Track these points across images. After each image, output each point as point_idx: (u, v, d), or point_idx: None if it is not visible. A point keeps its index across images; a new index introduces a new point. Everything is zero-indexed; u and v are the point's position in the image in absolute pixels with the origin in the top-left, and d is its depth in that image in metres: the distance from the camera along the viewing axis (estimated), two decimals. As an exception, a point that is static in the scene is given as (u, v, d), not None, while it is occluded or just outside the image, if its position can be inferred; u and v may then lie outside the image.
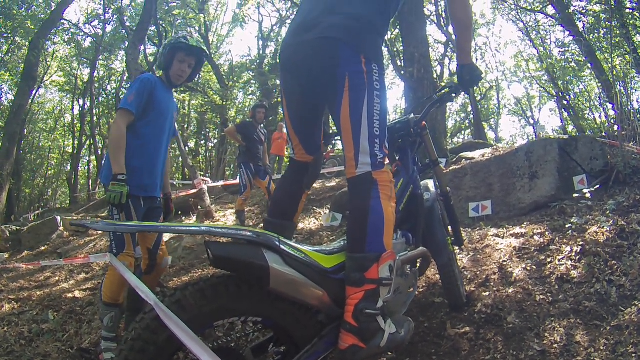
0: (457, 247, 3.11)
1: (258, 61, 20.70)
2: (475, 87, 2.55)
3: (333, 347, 1.69)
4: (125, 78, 19.55)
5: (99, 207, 13.90)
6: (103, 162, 3.15)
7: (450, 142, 18.90)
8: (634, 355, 2.05)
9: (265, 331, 1.86)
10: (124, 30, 17.49)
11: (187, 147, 19.53)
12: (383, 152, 1.82)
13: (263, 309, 1.55)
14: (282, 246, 1.55)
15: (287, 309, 1.59)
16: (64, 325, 3.87)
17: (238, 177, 6.46)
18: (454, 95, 2.40)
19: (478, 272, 3.34)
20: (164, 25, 16.32)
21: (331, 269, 1.68)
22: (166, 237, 6.01)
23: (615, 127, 5.57)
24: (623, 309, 2.43)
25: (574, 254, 3.14)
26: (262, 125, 6.43)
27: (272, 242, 1.54)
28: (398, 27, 9.24)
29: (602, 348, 2.19)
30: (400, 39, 9.64)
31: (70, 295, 4.85)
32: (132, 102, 2.76)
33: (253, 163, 6.00)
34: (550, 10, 17.92)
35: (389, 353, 2.45)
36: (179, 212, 7.85)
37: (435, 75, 14.88)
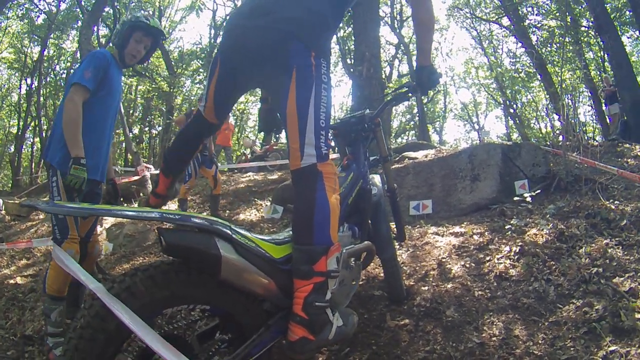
0: (398, 243, 3.78)
1: (208, 50, 23.40)
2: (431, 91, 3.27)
3: (279, 336, 2.02)
4: (77, 57, 21.64)
5: (41, 191, 15.36)
6: (48, 140, 3.30)
7: (394, 141, 21.57)
8: (572, 348, 2.63)
9: (211, 318, 2.15)
10: (78, 9, 19.29)
11: (131, 133, 21.82)
12: (328, 144, 2.18)
13: (212, 297, 1.85)
14: (234, 235, 1.85)
15: (236, 298, 1.90)
16: (6, 313, 4.34)
17: None
18: (410, 95, 2.93)
19: (417, 268, 3.96)
20: (118, 7, 18.40)
21: (280, 260, 2.02)
22: (107, 223, 6.66)
23: (560, 138, 6.91)
24: (561, 307, 3.08)
25: (512, 253, 3.89)
26: None
27: (225, 231, 1.83)
28: (352, 25, 10.48)
29: (540, 342, 2.78)
30: (353, 38, 10.90)
31: (12, 281, 5.44)
32: (89, 79, 3.11)
33: (199, 152, 6.70)
34: (505, 21, 21.64)
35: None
36: (121, 199, 8.09)
37: (383, 76, 17.13)
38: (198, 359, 1.88)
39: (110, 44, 3.81)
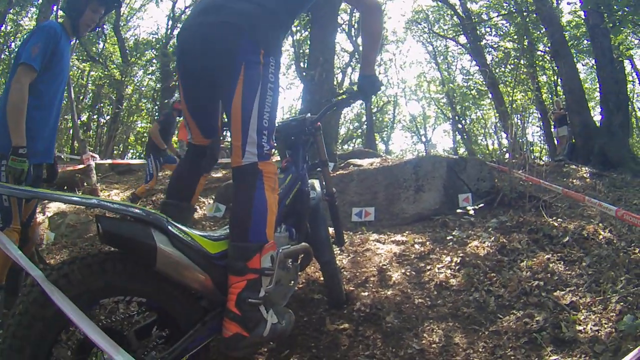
0: (337, 247, 4.08)
1: (164, 41, 24.73)
2: (373, 98, 3.67)
3: (216, 333, 2.20)
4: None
5: None
6: None
7: (340, 148, 22.67)
8: (512, 357, 2.91)
9: (149, 314, 2.30)
10: None
11: (79, 120, 22.16)
12: (270, 144, 2.39)
13: (148, 290, 2.02)
14: (170, 227, 2.03)
15: (172, 292, 2.08)
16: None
17: (147, 165, 8.43)
18: (351, 101, 3.27)
19: (357, 273, 4.22)
20: None
21: (216, 255, 2.20)
22: (50, 211, 6.85)
23: (507, 155, 7.59)
24: (501, 317, 3.40)
25: (453, 263, 4.24)
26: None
27: (161, 222, 2.01)
28: (309, 29, 11.08)
29: (480, 350, 3.05)
30: (308, 42, 11.51)
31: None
32: (36, 57, 3.14)
33: (162, 154, 8.06)
34: (462, 39, 23.48)
35: (270, 344, 3.16)
36: (65, 187, 8.99)
37: (335, 82, 18.59)
38: (136, 354, 1.97)
39: (59, 12, 3.86)
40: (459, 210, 5.80)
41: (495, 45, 21.78)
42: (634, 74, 24.21)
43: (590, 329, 3.14)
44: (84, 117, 25.98)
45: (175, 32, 24.80)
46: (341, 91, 16.93)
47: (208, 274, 2.13)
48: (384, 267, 4.34)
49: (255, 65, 2.31)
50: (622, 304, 3.31)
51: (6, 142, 3.17)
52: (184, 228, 2.14)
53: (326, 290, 3.74)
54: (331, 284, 3.62)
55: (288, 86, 31.97)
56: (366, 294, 3.83)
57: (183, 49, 2.55)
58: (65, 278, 1.80)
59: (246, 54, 2.30)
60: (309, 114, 3.35)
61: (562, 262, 4.15)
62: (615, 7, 9.51)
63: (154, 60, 25.20)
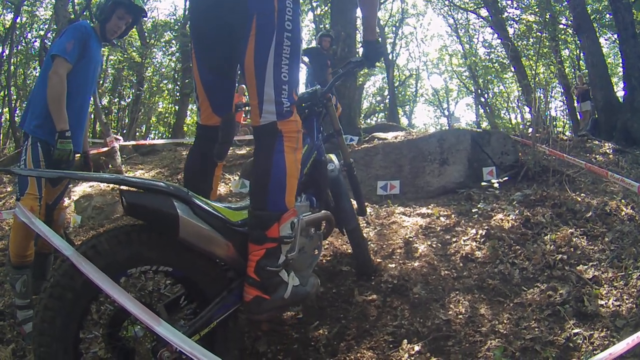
0: (361, 218, 4.13)
1: (182, 21, 24.34)
2: (378, 63, 3.54)
3: (241, 301, 2.21)
4: (53, 26, 21.44)
5: (9, 163, 14.79)
6: (25, 107, 3.53)
7: (363, 122, 22.77)
8: (536, 329, 2.91)
9: (176, 287, 2.41)
10: None
11: (101, 104, 21.68)
12: (291, 99, 2.22)
13: (173, 258, 2.07)
14: (191, 198, 2.07)
15: (197, 261, 2.12)
16: (-26, 288, 4.25)
17: None
18: (357, 69, 3.34)
19: (384, 246, 4.24)
20: None
21: (238, 223, 2.23)
22: (76, 196, 6.94)
23: (530, 129, 7.48)
24: (525, 289, 3.40)
25: (478, 236, 4.23)
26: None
27: (183, 193, 2.05)
28: (329, 4, 10.92)
29: (505, 321, 3.05)
30: (329, 17, 11.36)
31: (-21, 255, 5.26)
32: (71, 52, 3.39)
33: None
34: (484, 12, 22.64)
35: (300, 315, 3.28)
36: (92, 169, 8.53)
37: (358, 56, 18.10)
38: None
39: (90, 17, 4.00)
40: (483, 184, 5.77)
41: (517, 18, 21.20)
42: (659, 49, 23.41)
43: (612, 303, 3.13)
44: (105, 101, 26.04)
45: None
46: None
47: (230, 241, 2.15)
48: (410, 239, 4.35)
49: (268, 13, 2.13)
50: (643, 279, 3.25)
51: (34, 125, 3.46)
52: (204, 199, 2.18)
53: (354, 259, 3.82)
54: (358, 252, 3.70)
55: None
56: (393, 265, 3.86)
57: (195, 9, 2.49)
58: (93, 249, 1.87)
59: (257, 2, 2.14)
60: (318, 86, 3.37)
61: (585, 237, 4.10)
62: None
63: (173, 41, 25.23)
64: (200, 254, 2.11)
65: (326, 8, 11.63)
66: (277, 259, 2.15)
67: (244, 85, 13.95)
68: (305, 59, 8.91)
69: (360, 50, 4.29)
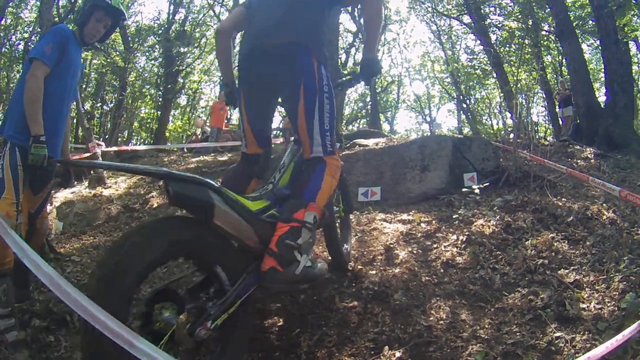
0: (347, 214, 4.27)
1: (166, 26, 25.51)
2: (374, 79, 3.92)
3: (257, 283, 2.56)
4: (37, 29, 21.46)
5: None
6: (5, 113, 3.92)
7: (345, 128, 23.03)
8: (518, 333, 2.97)
9: (200, 272, 2.63)
10: None
11: (83, 108, 22.55)
12: (332, 141, 2.93)
13: (205, 246, 2.36)
14: (222, 189, 2.44)
15: (224, 247, 2.47)
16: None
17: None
18: (354, 82, 3.54)
19: (365, 252, 4.31)
20: None
21: (257, 211, 2.66)
22: (57, 202, 6.92)
23: (511, 135, 7.64)
24: (507, 294, 3.47)
25: (459, 242, 4.32)
26: None
27: (215, 185, 2.41)
28: None
29: (487, 326, 3.11)
30: None
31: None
32: (50, 55, 3.41)
33: None
34: (466, 19, 23.22)
35: (280, 322, 3.39)
36: (72, 177, 8.94)
37: (339, 62, 19.86)
38: (195, 306, 2.31)
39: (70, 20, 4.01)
40: (464, 190, 5.87)
41: (500, 25, 21.66)
42: (639, 55, 24.06)
43: (594, 306, 3.20)
44: (88, 106, 26.31)
45: (177, 17, 26.43)
46: (345, 72, 17.62)
47: (252, 226, 2.53)
48: (391, 245, 4.41)
49: (311, 83, 2.85)
50: (624, 283, 3.37)
51: (12, 129, 3.45)
52: (229, 190, 2.53)
53: (329, 253, 3.98)
54: (332, 249, 3.91)
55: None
56: (374, 272, 3.92)
57: (247, 68, 3.07)
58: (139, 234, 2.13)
59: (303, 72, 2.85)
60: None
61: (566, 241, 4.20)
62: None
63: (157, 46, 25.58)
64: (226, 240, 2.48)
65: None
66: (296, 238, 2.59)
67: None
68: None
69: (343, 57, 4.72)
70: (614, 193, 4.74)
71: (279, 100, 3.26)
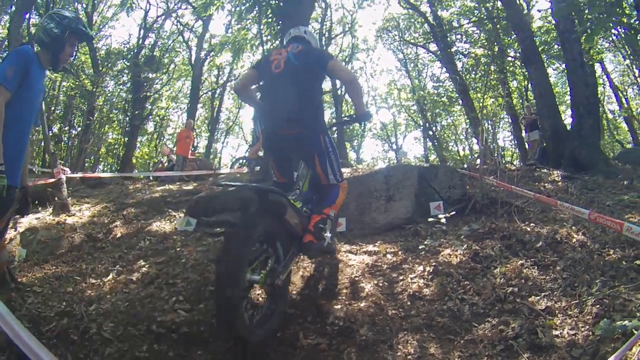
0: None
1: (135, 51, 25.77)
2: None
3: (299, 254, 4.03)
4: (4, 46, 21.69)
5: None
6: None
7: None
8: None
9: (269, 248, 3.62)
10: None
11: (51, 132, 22.86)
12: (341, 173, 4.34)
13: (279, 233, 3.74)
14: (288, 198, 3.86)
15: (283, 232, 3.77)
16: None
17: (254, 130, 10.01)
18: (351, 122, 5.48)
19: (330, 286, 4.30)
20: None
21: (300, 208, 4.11)
22: (22, 227, 6.99)
23: (478, 161, 7.71)
24: (476, 325, 3.45)
25: (426, 273, 4.30)
26: None
27: (285, 195, 3.82)
28: (279, 39, 11.16)
29: (457, 359, 3.13)
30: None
31: None
32: (11, 79, 3.38)
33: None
34: (433, 47, 24.10)
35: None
36: (36, 202, 9.18)
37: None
38: (268, 272, 3.45)
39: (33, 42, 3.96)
40: (430, 219, 5.87)
41: (466, 52, 22.26)
42: (604, 76, 24.92)
43: (567, 333, 3.19)
44: (56, 129, 26.14)
45: (147, 42, 26.96)
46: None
47: (299, 218, 3.97)
48: (357, 278, 4.39)
49: (321, 151, 4.17)
50: (598, 306, 3.37)
51: None
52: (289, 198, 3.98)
53: None
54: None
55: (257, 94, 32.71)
56: (339, 307, 3.87)
57: (276, 145, 4.38)
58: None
59: (315, 147, 4.15)
60: None
61: (536, 267, 4.21)
62: (587, 14, 9.67)
63: (126, 71, 25.71)
64: (284, 228, 3.78)
65: (276, 42, 11.74)
66: (325, 224, 4.05)
67: (191, 120, 18.73)
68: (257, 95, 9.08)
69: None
70: (583, 216, 4.75)
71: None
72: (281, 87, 4.09)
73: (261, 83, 4.49)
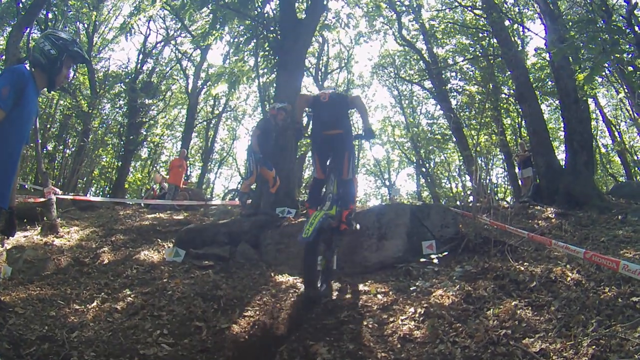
0: None
1: (133, 75, 25.86)
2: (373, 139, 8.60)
3: (339, 238, 6.06)
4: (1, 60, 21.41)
5: None
6: None
7: (304, 192, 23.39)
8: None
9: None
10: (20, 4, 19.70)
11: (45, 150, 23.41)
12: (354, 171, 6.41)
13: (327, 240, 5.56)
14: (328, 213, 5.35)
15: (332, 229, 5.57)
16: None
17: (248, 163, 9.82)
18: (359, 139, 7.77)
19: (318, 326, 4.21)
20: (56, 12, 21.02)
21: (334, 215, 5.45)
22: (8, 244, 7.03)
23: (471, 198, 7.69)
24: None
25: (417, 314, 4.22)
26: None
27: (329, 213, 5.33)
28: (275, 72, 11.39)
29: None
30: (274, 85, 11.90)
31: None
32: (6, 98, 3.33)
33: (260, 154, 9.14)
34: (428, 84, 24.19)
35: None
36: (24, 220, 9.14)
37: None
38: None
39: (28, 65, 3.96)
40: (422, 259, 5.86)
41: (460, 89, 22.42)
42: (597, 111, 25.13)
43: (563, 376, 3.06)
44: (50, 147, 26.36)
45: (145, 67, 27.20)
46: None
47: (335, 218, 5.43)
48: (346, 319, 4.32)
49: (351, 150, 6.01)
50: (594, 347, 3.29)
51: None
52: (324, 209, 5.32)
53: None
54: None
55: (252, 129, 32.76)
56: (327, 348, 3.79)
57: (321, 143, 5.95)
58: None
59: (347, 147, 5.85)
60: None
61: (530, 308, 4.13)
62: (584, 54, 9.73)
63: (123, 95, 25.78)
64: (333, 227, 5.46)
65: (273, 76, 11.88)
66: (352, 215, 5.74)
67: (184, 150, 19.87)
68: (258, 131, 9.34)
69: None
70: (578, 255, 4.69)
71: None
72: (327, 108, 5.86)
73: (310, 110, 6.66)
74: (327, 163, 5.88)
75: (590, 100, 18.95)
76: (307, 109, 7.01)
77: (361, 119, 6.68)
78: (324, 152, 5.95)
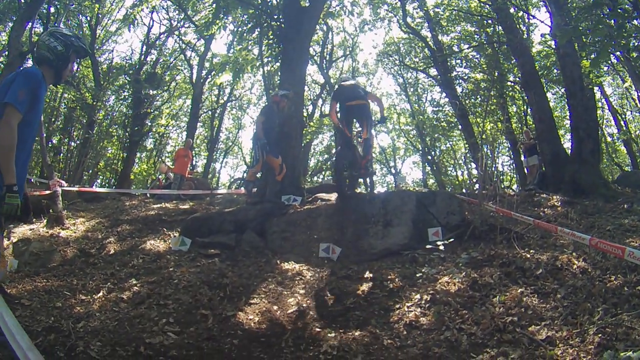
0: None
1: (137, 67, 25.93)
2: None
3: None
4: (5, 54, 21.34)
5: None
6: None
7: (309, 180, 23.41)
8: None
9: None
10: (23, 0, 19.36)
11: (50, 143, 23.65)
12: (372, 131, 8.87)
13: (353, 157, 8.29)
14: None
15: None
16: None
17: (254, 151, 9.97)
18: (376, 124, 10.39)
19: (324, 313, 4.22)
20: (58, 6, 21.12)
21: (361, 155, 8.46)
22: (15, 237, 7.09)
23: (476, 186, 7.67)
24: (474, 356, 3.35)
25: (423, 301, 4.22)
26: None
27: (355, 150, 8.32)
28: (280, 60, 11.37)
29: None
30: (279, 73, 11.95)
31: None
32: (23, 101, 3.43)
33: (267, 143, 9.18)
34: (433, 71, 24.03)
35: None
36: (31, 213, 8.35)
37: (306, 114, 21.46)
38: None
39: (33, 62, 4.14)
40: (428, 246, 5.82)
41: (466, 77, 22.31)
42: (603, 100, 24.97)
43: (569, 364, 3.06)
44: (55, 140, 26.47)
45: (149, 58, 27.18)
46: (318, 123, 24.69)
47: (359, 157, 8.18)
48: (352, 305, 4.32)
49: (369, 118, 8.49)
50: (600, 335, 3.28)
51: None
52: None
53: None
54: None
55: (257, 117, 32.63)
56: (333, 335, 3.79)
57: (347, 109, 8.10)
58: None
59: (367, 113, 8.38)
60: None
61: (536, 295, 4.13)
62: (589, 38, 9.63)
63: (127, 86, 25.87)
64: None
65: (277, 64, 11.83)
66: (370, 163, 8.76)
67: (190, 140, 19.89)
68: (262, 118, 9.39)
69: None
70: (584, 242, 4.68)
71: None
72: (351, 90, 8.16)
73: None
74: (351, 125, 8.33)
75: (595, 89, 18.82)
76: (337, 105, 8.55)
77: (378, 107, 9.19)
78: (350, 119, 8.28)
